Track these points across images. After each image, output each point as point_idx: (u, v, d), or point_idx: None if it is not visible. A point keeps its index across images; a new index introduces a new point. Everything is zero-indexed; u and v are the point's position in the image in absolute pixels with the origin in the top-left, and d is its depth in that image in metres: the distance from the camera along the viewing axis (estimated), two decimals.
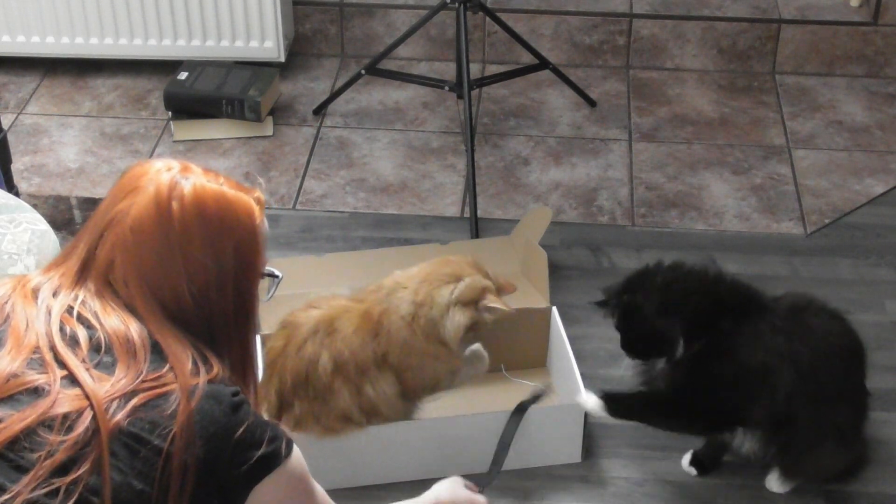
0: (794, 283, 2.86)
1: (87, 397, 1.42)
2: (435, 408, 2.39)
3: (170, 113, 3.41)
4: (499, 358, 2.57)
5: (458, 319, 2.23)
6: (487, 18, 3.49)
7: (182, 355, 1.49)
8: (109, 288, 1.53)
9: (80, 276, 1.54)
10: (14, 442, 1.40)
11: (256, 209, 1.60)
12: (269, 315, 2.31)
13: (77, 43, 3.58)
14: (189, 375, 1.47)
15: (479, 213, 3.06)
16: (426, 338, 2.25)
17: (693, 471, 2.41)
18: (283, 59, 3.59)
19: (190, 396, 1.45)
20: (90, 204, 3.13)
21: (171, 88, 3.39)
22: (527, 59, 3.50)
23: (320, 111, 3.51)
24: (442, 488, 2.04)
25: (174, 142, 3.39)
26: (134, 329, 1.49)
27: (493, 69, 3.61)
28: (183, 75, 3.43)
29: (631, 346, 2.27)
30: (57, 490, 1.38)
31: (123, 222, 1.53)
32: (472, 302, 2.24)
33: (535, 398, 2.37)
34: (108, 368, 1.46)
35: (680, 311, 2.19)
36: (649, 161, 3.32)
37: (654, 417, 2.31)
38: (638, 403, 2.31)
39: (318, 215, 3.13)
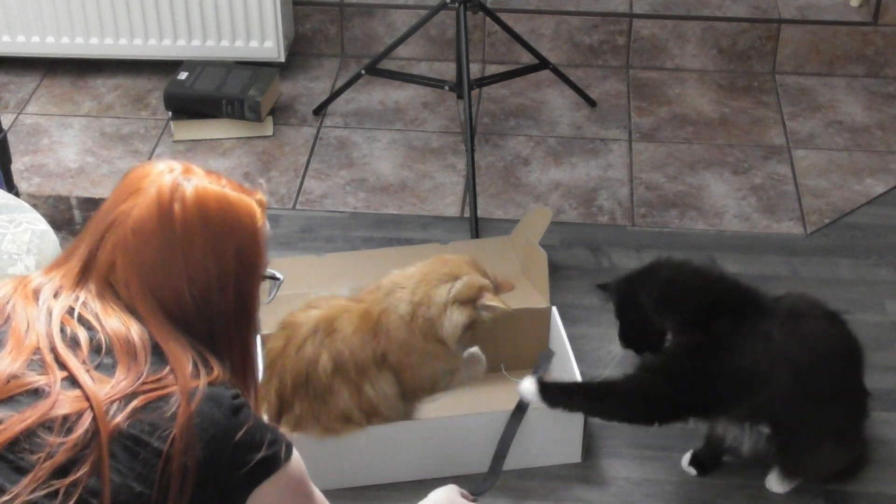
0: (794, 283, 2.86)
1: (88, 399, 1.42)
2: (435, 408, 2.39)
3: (170, 113, 3.42)
4: (499, 358, 2.57)
5: (455, 318, 2.23)
6: (487, 18, 3.49)
7: (182, 357, 1.49)
8: (110, 289, 1.53)
9: (82, 278, 1.54)
10: (14, 443, 1.40)
11: (258, 211, 1.60)
12: (269, 316, 2.31)
13: (77, 43, 3.58)
14: (189, 378, 1.47)
15: (479, 213, 3.06)
16: (424, 337, 2.25)
17: (693, 471, 2.41)
18: (283, 59, 3.59)
19: (190, 399, 1.45)
20: (90, 204, 3.13)
21: (171, 88, 3.39)
22: (527, 59, 3.50)
23: (320, 111, 3.51)
24: (438, 497, 2.04)
25: (174, 142, 3.39)
26: (134, 331, 1.49)
27: (493, 69, 3.61)
28: (183, 75, 3.43)
29: (625, 335, 2.30)
30: (56, 492, 1.38)
31: (125, 224, 1.53)
32: (469, 300, 2.24)
33: (546, 359, 2.35)
34: (109, 370, 1.46)
35: (675, 307, 2.22)
36: (649, 161, 3.32)
37: (587, 403, 2.30)
38: (573, 388, 2.31)
39: (318, 215, 3.13)
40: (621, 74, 3.71)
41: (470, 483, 2.24)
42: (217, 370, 1.51)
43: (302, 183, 3.24)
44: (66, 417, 1.41)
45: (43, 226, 2.28)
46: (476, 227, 3.02)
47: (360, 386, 2.26)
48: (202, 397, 1.46)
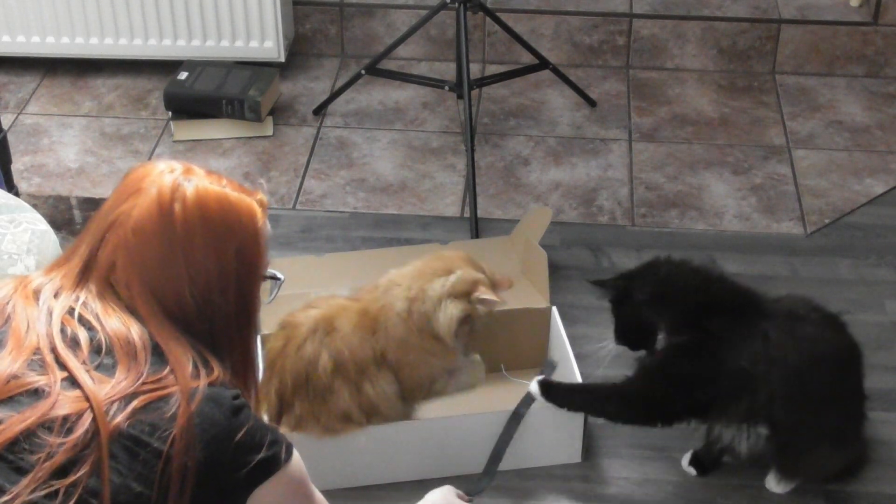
0: (794, 283, 2.86)
1: (88, 399, 1.42)
2: (435, 408, 2.39)
3: (170, 113, 3.41)
4: (499, 358, 2.57)
5: (450, 312, 2.22)
6: (487, 18, 3.49)
7: (183, 358, 1.49)
8: (111, 289, 1.53)
9: (82, 278, 1.54)
10: (14, 443, 1.40)
11: (259, 211, 1.60)
12: (269, 316, 2.31)
13: (77, 43, 3.58)
14: (189, 378, 1.47)
15: (479, 213, 3.06)
16: (421, 333, 2.25)
17: (693, 471, 2.41)
18: (283, 59, 3.59)
19: (190, 399, 1.45)
20: (90, 204, 3.13)
21: (171, 88, 3.39)
22: (527, 59, 3.50)
23: (320, 111, 3.51)
24: (435, 497, 2.04)
25: (174, 142, 3.39)
26: (135, 331, 1.49)
27: (493, 69, 3.61)
28: (183, 75, 3.43)
29: (620, 332, 2.31)
30: (56, 492, 1.38)
31: (125, 224, 1.53)
32: (464, 294, 2.24)
33: (531, 398, 2.36)
34: (109, 370, 1.46)
35: (668, 306, 2.23)
36: (649, 161, 3.32)
37: (597, 406, 2.33)
38: (576, 389, 2.34)
39: (318, 215, 3.13)
40: (621, 74, 3.71)
41: (467, 483, 2.24)
42: (217, 370, 1.51)
43: (302, 183, 3.24)
44: (66, 418, 1.41)
45: (43, 226, 2.28)
46: (476, 227, 3.02)
47: (360, 385, 2.26)
48: (202, 398, 1.46)
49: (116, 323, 1.49)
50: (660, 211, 3.14)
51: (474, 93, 3.41)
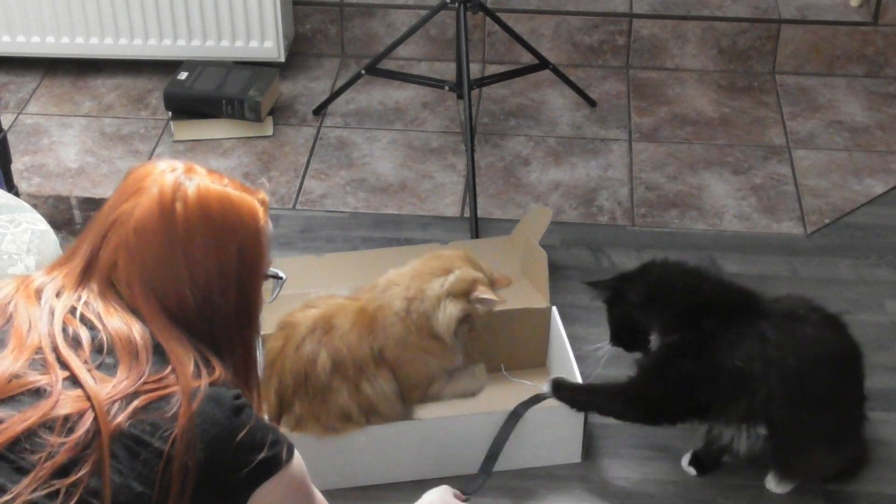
0: (794, 284, 2.86)
1: (89, 399, 1.42)
2: (434, 408, 2.39)
3: (170, 113, 3.41)
4: (499, 358, 2.57)
5: (449, 311, 2.22)
6: (487, 18, 3.49)
7: (184, 357, 1.49)
8: (112, 289, 1.53)
9: (84, 277, 1.54)
10: (15, 443, 1.40)
11: (260, 211, 1.60)
12: (268, 316, 2.30)
13: (77, 43, 3.58)
14: (191, 377, 1.47)
15: (479, 213, 3.06)
16: (419, 332, 2.25)
17: (693, 471, 2.41)
18: (283, 59, 3.59)
19: (191, 399, 1.45)
20: (90, 204, 3.13)
21: (171, 88, 3.39)
22: (527, 59, 3.50)
23: (320, 111, 3.51)
24: (432, 497, 2.04)
25: (174, 142, 3.39)
26: (136, 330, 1.49)
27: (493, 69, 3.61)
28: (183, 75, 3.43)
29: (615, 333, 2.33)
30: (57, 492, 1.38)
31: (127, 223, 1.53)
32: (463, 293, 2.24)
33: (536, 400, 2.37)
34: (110, 370, 1.46)
35: (660, 306, 2.24)
36: (649, 161, 3.32)
37: (603, 406, 2.34)
38: (585, 390, 2.36)
39: (318, 215, 3.13)
40: (621, 74, 3.71)
41: (465, 483, 2.24)
42: (219, 370, 1.51)
43: (302, 183, 3.24)
44: (67, 417, 1.41)
45: (43, 226, 2.28)
46: (476, 227, 3.02)
47: (359, 384, 2.26)
48: (204, 397, 1.46)
49: (118, 322, 1.50)
50: (660, 211, 3.14)
51: (474, 93, 3.41)
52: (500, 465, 2.34)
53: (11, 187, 2.89)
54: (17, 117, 3.50)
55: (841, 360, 2.25)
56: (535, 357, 2.64)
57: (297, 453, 1.58)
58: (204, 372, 1.49)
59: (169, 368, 1.47)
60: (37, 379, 1.44)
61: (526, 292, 2.63)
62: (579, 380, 2.39)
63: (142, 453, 1.42)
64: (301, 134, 3.44)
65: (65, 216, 3.09)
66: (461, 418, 2.36)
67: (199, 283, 1.53)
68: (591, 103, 3.54)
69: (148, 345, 1.49)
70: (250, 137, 3.41)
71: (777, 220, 3.11)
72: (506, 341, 2.55)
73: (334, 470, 2.31)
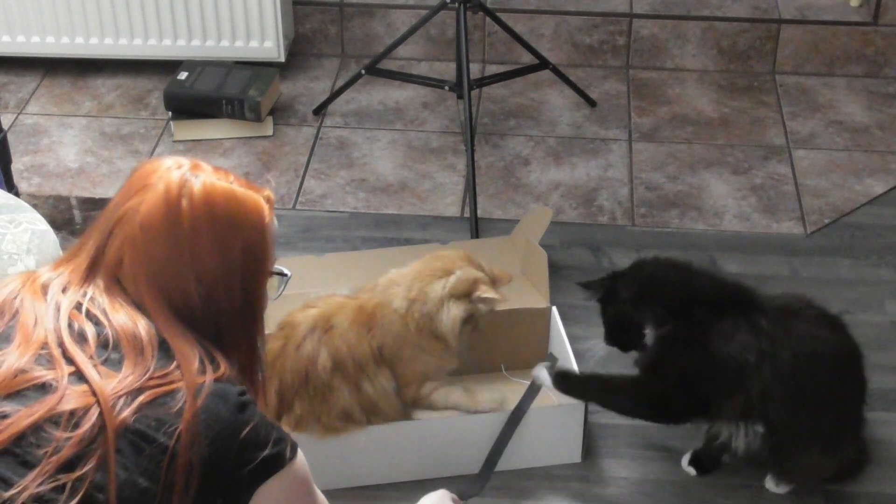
0: (794, 283, 2.86)
1: (94, 394, 1.43)
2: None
3: (170, 113, 3.41)
4: (499, 358, 2.57)
5: (453, 313, 2.23)
6: (487, 18, 3.49)
7: (189, 353, 1.49)
8: (118, 285, 1.54)
9: (90, 273, 1.55)
10: (21, 437, 1.40)
11: (266, 208, 1.61)
12: (269, 316, 2.31)
13: (77, 43, 3.58)
14: (196, 374, 1.47)
15: (479, 213, 3.06)
16: (420, 333, 2.25)
17: (693, 471, 2.41)
18: (283, 59, 3.59)
19: (196, 394, 1.46)
20: (90, 204, 3.13)
21: (171, 88, 3.39)
22: (527, 59, 3.50)
23: (320, 111, 3.51)
24: (430, 501, 2.04)
25: (174, 142, 3.39)
26: (142, 326, 1.50)
27: (493, 69, 3.61)
28: (183, 75, 3.43)
29: (608, 332, 2.33)
30: (63, 486, 1.38)
31: (133, 220, 1.54)
32: (465, 294, 2.24)
33: (532, 392, 2.36)
34: (116, 365, 1.47)
35: (653, 299, 2.24)
36: (649, 161, 3.32)
37: (601, 396, 2.33)
38: (588, 381, 2.35)
39: (318, 215, 3.13)
40: (621, 74, 3.71)
41: (463, 484, 2.24)
42: (223, 367, 1.52)
43: (302, 183, 3.24)
44: (73, 412, 1.42)
45: (43, 226, 2.28)
46: (476, 227, 3.02)
47: (360, 383, 2.27)
48: (208, 393, 1.47)
49: (123, 318, 1.50)
50: (660, 211, 3.14)
51: (474, 93, 3.41)
52: (500, 465, 2.35)
53: (11, 187, 2.89)
54: (17, 117, 3.50)
55: (838, 359, 2.24)
56: (535, 357, 2.63)
57: (300, 452, 1.58)
58: (209, 368, 1.49)
59: (174, 364, 1.48)
60: (43, 374, 1.45)
61: (526, 292, 2.63)
62: None
63: (147, 448, 1.42)
64: (301, 134, 3.44)
65: (65, 216, 3.09)
66: (461, 418, 2.37)
67: (205, 279, 1.53)
68: (591, 103, 3.54)
69: (153, 341, 1.49)
70: (250, 137, 3.41)
71: (777, 220, 3.11)
72: (506, 341, 2.55)
73: (334, 470, 2.31)
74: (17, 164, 3.17)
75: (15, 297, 1.54)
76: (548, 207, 3.01)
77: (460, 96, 3.24)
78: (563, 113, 3.53)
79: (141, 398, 1.44)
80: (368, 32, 3.74)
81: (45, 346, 1.47)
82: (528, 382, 2.48)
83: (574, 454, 2.43)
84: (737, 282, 2.32)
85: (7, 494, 1.36)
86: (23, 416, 1.41)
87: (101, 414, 1.41)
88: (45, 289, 1.54)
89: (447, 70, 3.61)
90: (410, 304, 2.25)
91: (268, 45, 3.56)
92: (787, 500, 2.36)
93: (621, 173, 3.28)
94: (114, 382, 1.44)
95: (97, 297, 1.52)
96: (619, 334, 2.33)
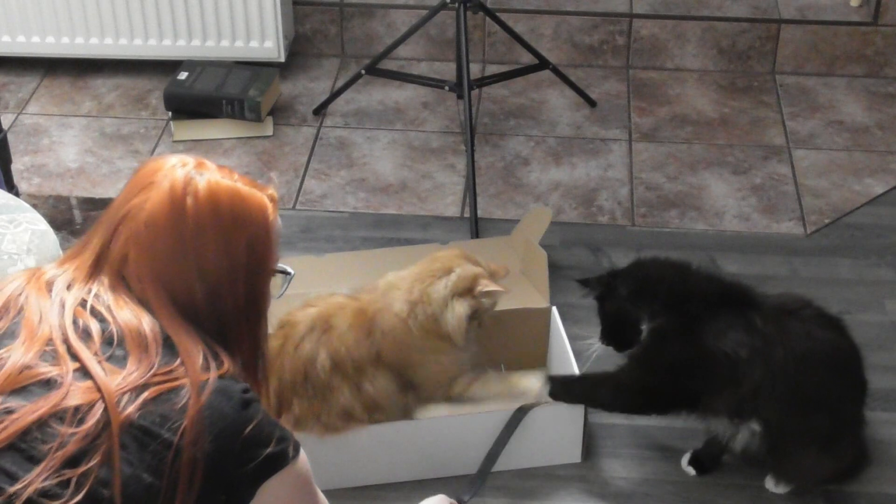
0: (793, 283, 2.86)
1: (99, 390, 1.43)
2: (435, 407, 2.39)
3: (170, 113, 3.41)
4: (499, 358, 2.57)
5: (458, 311, 2.23)
6: (487, 18, 3.49)
7: (193, 350, 1.50)
8: (123, 282, 1.54)
9: (94, 270, 1.55)
10: (26, 433, 1.41)
11: (270, 206, 1.62)
12: (269, 314, 2.31)
13: (77, 43, 3.58)
14: (200, 370, 1.48)
15: (479, 213, 3.06)
16: (426, 335, 2.25)
17: (692, 471, 2.41)
18: (283, 59, 3.59)
19: (200, 391, 1.46)
20: (90, 204, 3.13)
21: (171, 88, 3.39)
22: (527, 59, 3.50)
23: (320, 111, 3.51)
24: None
25: (174, 142, 3.39)
26: (146, 323, 1.50)
27: (493, 69, 3.61)
28: (183, 75, 3.43)
29: (605, 330, 2.34)
30: (68, 481, 1.39)
31: (138, 217, 1.55)
32: (467, 291, 2.24)
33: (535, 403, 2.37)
34: (120, 362, 1.47)
35: (649, 294, 2.25)
36: (649, 161, 3.32)
37: (589, 394, 2.34)
38: (574, 381, 2.36)
39: (318, 215, 3.13)
40: (621, 74, 3.71)
41: (462, 485, 2.24)
42: (227, 364, 1.52)
43: (302, 183, 3.24)
44: (77, 408, 1.42)
45: (43, 226, 2.28)
46: (476, 227, 3.02)
47: (359, 383, 2.26)
48: (212, 390, 1.47)
49: (128, 315, 1.51)
50: (660, 211, 3.14)
51: (474, 93, 3.41)
52: (500, 465, 2.35)
53: (11, 187, 2.89)
54: (17, 117, 3.50)
55: (835, 359, 2.23)
56: (535, 357, 2.63)
57: (303, 452, 1.58)
58: (213, 365, 1.50)
59: (178, 361, 1.48)
60: (48, 370, 1.45)
61: (526, 292, 2.63)
62: None
63: (151, 444, 1.43)
64: (301, 134, 3.44)
65: (65, 216, 3.09)
66: (461, 418, 2.36)
67: (209, 277, 1.54)
68: (591, 103, 3.54)
69: (157, 337, 1.50)
70: (250, 137, 3.41)
71: (777, 220, 3.11)
72: (506, 341, 2.55)
73: (334, 469, 2.31)
74: (17, 164, 3.18)
75: (20, 294, 1.54)
76: (548, 207, 3.01)
77: (460, 96, 3.24)
78: (563, 113, 3.53)
79: (145, 394, 1.44)
80: (368, 32, 3.74)
81: (49, 342, 1.48)
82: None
83: (574, 454, 2.43)
84: (734, 281, 2.32)
85: (12, 489, 1.37)
86: (28, 411, 1.41)
87: (105, 410, 1.42)
88: (49, 285, 1.55)
89: (447, 70, 3.61)
90: (412, 307, 2.24)
91: (268, 45, 3.56)
92: (787, 500, 2.36)
93: (621, 173, 3.28)
94: (118, 379, 1.45)
95: (102, 294, 1.53)
96: (616, 332, 2.33)
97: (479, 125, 3.47)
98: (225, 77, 3.42)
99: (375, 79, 3.55)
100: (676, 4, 3.71)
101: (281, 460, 1.53)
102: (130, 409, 1.43)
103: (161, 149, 3.37)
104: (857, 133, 3.44)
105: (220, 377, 1.49)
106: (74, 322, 1.50)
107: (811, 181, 3.25)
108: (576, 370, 2.41)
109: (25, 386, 1.44)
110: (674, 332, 2.22)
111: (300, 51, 3.77)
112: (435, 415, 2.38)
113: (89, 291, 1.53)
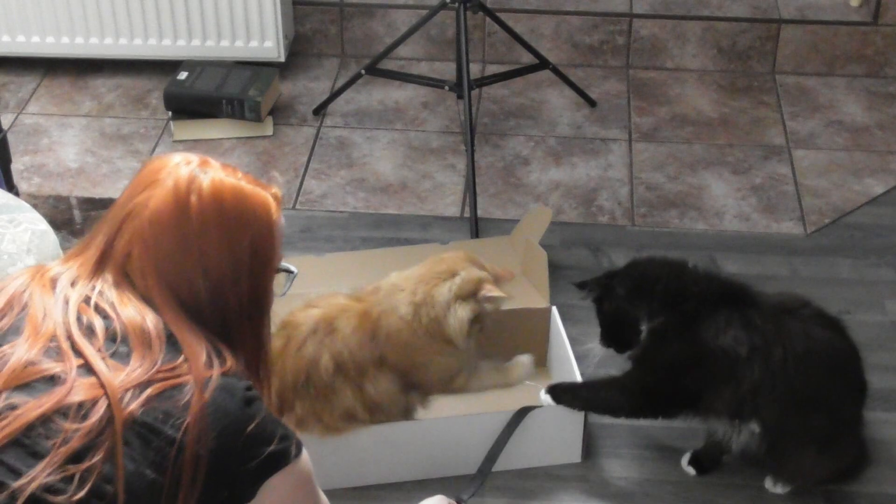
0: (793, 283, 2.86)
1: (103, 386, 1.44)
2: (435, 408, 2.39)
3: (170, 113, 3.42)
4: (499, 358, 2.57)
5: (460, 314, 2.23)
6: (487, 18, 3.49)
7: (197, 347, 1.50)
8: (127, 279, 1.55)
9: (98, 267, 1.56)
10: (30, 428, 1.41)
11: (273, 205, 1.62)
12: (271, 313, 2.31)
13: (77, 43, 3.58)
14: (203, 368, 1.48)
15: (479, 213, 3.06)
16: (430, 337, 2.25)
17: (692, 471, 2.41)
18: (283, 59, 3.59)
19: (204, 388, 1.46)
20: (90, 204, 3.13)
21: (171, 88, 3.39)
22: (527, 59, 3.50)
23: (320, 111, 3.51)
24: None
25: (174, 142, 3.39)
26: (150, 320, 1.51)
27: (493, 69, 3.61)
28: (183, 75, 3.43)
29: (605, 332, 2.34)
30: (71, 476, 1.39)
31: (142, 214, 1.55)
32: (471, 295, 2.24)
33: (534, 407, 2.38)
34: (124, 358, 1.47)
35: (647, 293, 2.25)
36: (649, 161, 3.32)
37: (592, 400, 2.35)
38: (578, 388, 2.36)
39: (318, 215, 3.13)
40: (621, 74, 3.71)
41: (459, 490, 2.24)
42: (230, 361, 1.52)
43: (302, 183, 3.24)
44: (81, 404, 1.42)
45: (43, 226, 2.28)
46: (476, 227, 3.02)
47: (361, 385, 2.26)
48: (216, 387, 1.47)
49: (132, 312, 1.51)
50: (660, 211, 3.14)
51: (474, 93, 3.41)
52: (500, 465, 2.35)
53: (11, 187, 2.89)
54: (17, 117, 3.50)
55: (833, 358, 2.23)
56: (535, 357, 2.63)
57: (305, 451, 1.59)
58: (216, 362, 1.50)
59: (182, 358, 1.49)
60: (51, 366, 1.45)
61: (526, 292, 2.64)
62: (579, 379, 2.39)
63: (154, 441, 1.43)
64: (301, 134, 3.44)
65: (65, 216, 3.09)
66: (461, 418, 2.37)
67: (212, 274, 1.54)
68: (591, 103, 3.54)
69: (161, 334, 1.50)
70: (250, 137, 3.41)
71: (777, 219, 3.11)
72: (506, 341, 2.55)
73: (334, 469, 2.31)
74: (17, 164, 3.18)
75: (24, 291, 1.55)
76: (548, 207, 3.01)
77: (460, 96, 3.24)
78: (563, 113, 3.53)
79: (149, 391, 1.44)
80: (368, 32, 3.74)
81: (53, 338, 1.48)
82: (528, 382, 2.48)
83: (574, 454, 2.43)
84: (732, 279, 2.32)
85: (16, 484, 1.37)
86: (32, 407, 1.42)
87: (109, 406, 1.42)
88: (53, 282, 1.55)
89: (447, 70, 3.61)
90: (417, 309, 2.24)
91: (268, 45, 3.56)
92: (787, 500, 2.36)
93: (621, 173, 3.28)
94: (122, 375, 1.45)
95: (106, 291, 1.53)
96: (615, 333, 2.33)
97: (479, 125, 3.47)
98: (225, 77, 3.42)
99: (375, 79, 3.55)
100: (676, 4, 3.71)
101: (283, 458, 1.53)
102: (134, 405, 1.43)
103: (161, 149, 3.37)
104: (857, 133, 3.44)
105: (224, 374, 1.50)
106: (78, 319, 1.50)
107: (811, 181, 3.25)
108: (576, 370, 2.41)
109: (29, 382, 1.44)
110: (673, 331, 2.22)
111: (300, 51, 3.77)
112: (436, 412, 2.38)
113: (93, 288, 1.53)
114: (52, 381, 1.44)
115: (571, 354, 2.44)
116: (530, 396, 2.40)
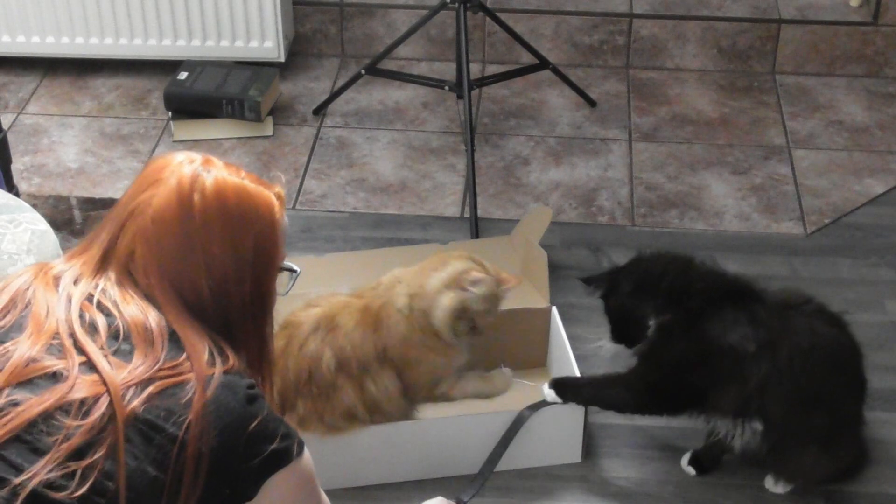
0: (793, 283, 2.86)
1: (105, 383, 1.44)
2: (435, 408, 2.39)
3: (170, 113, 3.42)
4: (499, 358, 2.57)
5: (443, 303, 2.22)
6: (487, 18, 3.49)
7: (199, 345, 1.50)
8: (129, 277, 1.55)
9: (101, 265, 1.56)
10: (32, 425, 1.41)
11: (276, 204, 1.63)
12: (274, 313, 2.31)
13: (77, 43, 3.58)
14: (205, 365, 1.49)
15: (479, 213, 3.06)
16: (423, 330, 2.25)
17: (692, 471, 2.41)
18: (283, 59, 3.59)
19: (206, 386, 1.47)
20: (90, 204, 3.13)
21: (171, 88, 3.39)
22: (527, 59, 3.50)
23: (320, 111, 3.51)
24: None
25: (174, 142, 3.39)
26: (152, 318, 1.51)
27: (493, 69, 3.61)
28: (183, 75, 3.43)
29: (613, 329, 2.33)
30: (73, 473, 1.39)
31: (145, 213, 1.55)
32: (454, 282, 2.23)
33: (543, 404, 2.37)
34: (126, 356, 1.48)
35: (653, 288, 2.25)
36: (649, 161, 3.32)
37: (598, 396, 2.34)
38: (583, 383, 2.36)
39: (318, 215, 3.13)
40: (621, 74, 3.71)
41: (459, 491, 2.24)
42: (233, 359, 1.53)
43: (302, 183, 3.24)
44: (83, 401, 1.43)
45: (43, 226, 2.28)
46: (476, 227, 3.02)
47: (363, 383, 2.26)
48: (218, 385, 1.48)
49: (134, 310, 1.51)
50: (660, 211, 3.14)
51: (474, 93, 3.41)
52: (501, 465, 2.35)
53: (11, 187, 2.89)
54: (17, 117, 3.50)
55: (837, 355, 2.23)
56: (535, 357, 2.64)
57: (306, 450, 1.59)
58: (218, 360, 1.50)
59: (184, 356, 1.49)
60: (54, 363, 1.46)
61: (526, 292, 2.63)
62: None
63: (156, 438, 1.43)
64: (301, 134, 3.44)
65: (65, 216, 3.09)
66: (461, 418, 2.37)
67: (215, 273, 1.55)
68: (591, 103, 3.54)
69: (163, 332, 1.50)
70: (250, 137, 3.41)
71: (777, 219, 3.11)
72: (506, 341, 2.55)
73: (335, 469, 2.31)
74: (17, 164, 3.18)
75: (27, 288, 1.55)
76: (548, 207, 3.01)
77: (460, 96, 3.24)
78: (563, 113, 3.53)
79: (151, 388, 1.45)
80: (368, 32, 3.74)
81: (56, 336, 1.48)
82: (528, 382, 2.48)
83: (574, 454, 2.43)
84: (737, 275, 2.32)
85: (17, 480, 1.37)
86: (34, 403, 1.42)
87: (110, 403, 1.43)
88: (57, 280, 1.56)
89: (447, 70, 3.62)
90: (411, 300, 2.25)
91: (268, 45, 3.56)
92: (787, 500, 2.36)
93: (621, 173, 3.28)
94: (124, 373, 1.45)
95: (109, 288, 1.54)
96: (624, 329, 2.32)
97: (479, 125, 3.47)
98: (225, 77, 3.42)
99: (375, 79, 3.55)
100: (676, 4, 3.71)
101: (285, 457, 1.54)
102: (136, 402, 1.43)
103: (161, 149, 3.37)
104: (857, 133, 3.44)
105: (226, 372, 1.50)
106: (81, 316, 1.50)
107: (811, 181, 3.25)
108: (576, 370, 2.41)
109: (31, 378, 1.45)
110: (679, 327, 2.22)
111: (300, 51, 3.77)
112: (436, 412, 2.38)
113: (96, 286, 1.54)
114: (55, 377, 1.45)
115: (571, 354, 2.44)
116: (530, 396, 2.40)
